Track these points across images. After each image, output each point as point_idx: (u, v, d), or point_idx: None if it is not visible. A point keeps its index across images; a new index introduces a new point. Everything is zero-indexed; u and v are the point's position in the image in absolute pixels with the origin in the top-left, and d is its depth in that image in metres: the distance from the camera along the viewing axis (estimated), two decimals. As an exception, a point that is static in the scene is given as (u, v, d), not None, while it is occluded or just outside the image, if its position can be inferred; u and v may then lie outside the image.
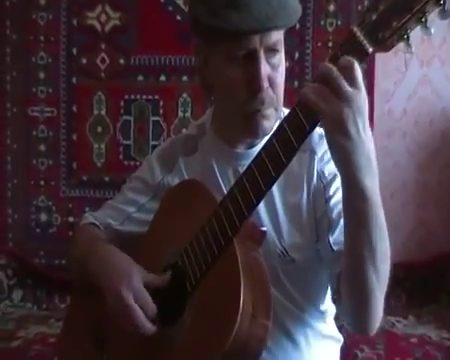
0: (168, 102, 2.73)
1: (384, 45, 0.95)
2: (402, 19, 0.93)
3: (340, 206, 1.16)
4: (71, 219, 2.75)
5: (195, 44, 1.27)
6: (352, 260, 1.07)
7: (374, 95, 2.65)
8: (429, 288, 2.72)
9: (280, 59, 1.21)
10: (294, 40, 2.64)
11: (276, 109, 1.22)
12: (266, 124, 1.20)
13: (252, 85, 1.17)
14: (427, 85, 2.73)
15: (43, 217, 2.77)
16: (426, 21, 0.91)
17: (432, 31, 0.92)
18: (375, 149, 2.84)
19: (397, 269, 2.78)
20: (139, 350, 1.21)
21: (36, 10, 2.71)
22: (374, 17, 0.94)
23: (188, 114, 2.71)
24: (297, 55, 2.66)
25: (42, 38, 2.72)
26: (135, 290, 1.16)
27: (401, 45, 0.95)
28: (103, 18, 2.71)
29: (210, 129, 1.36)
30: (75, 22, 2.72)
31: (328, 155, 1.24)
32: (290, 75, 2.60)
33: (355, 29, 0.96)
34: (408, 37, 0.94)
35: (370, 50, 0.95)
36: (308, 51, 2.64)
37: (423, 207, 2.78)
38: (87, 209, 2.72)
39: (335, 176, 1.23)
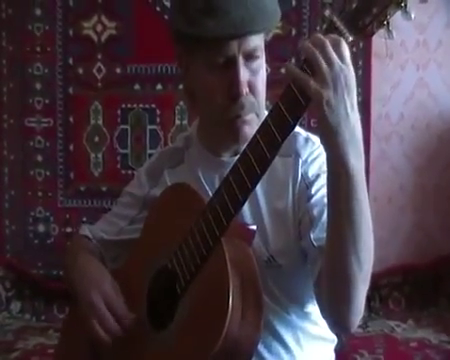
0: (165, 110, 2.73)
1: (364, 32, 0.95)
2: (382, 5, 0.92)
3: (321, 204, 1.17)
4: (69, 229, 2.75)
5: (176, 54, 1.27)
6: (334, 247, 1.05)
7: (371, 99, 2.66)
8: (428, 292, 2.72)
9: (260, 64, 1.21)
10: (290, 46, 2.65)
11: (257, 114, 1.22)
12: (247, 129, 1.20)
13: (231, 91, 1.17)
14: (424, 89, 2.73)
15: (41, 228, 2.76)
16: (406, 5, 0.91)
17: (413, 16, 0.91)
18: (372, 153, 2.83)
19: (395, 273, 2.81)
20: (132, 355, 1.22)
21: (32, 21, 2.71)
22: (354, 5, 0.94)
23: (185, 122, 2.71)
24: (293, 61, 2.66)
25: (38, 49, 2.72)
26: (106, 295, 1.21)
27: (382, 32, 0.95)
28: (99, 28, 2.71)
29: (196, 139, 1.37)
30: (71, 32, 2.72)
31: (312, 157, 1.25)
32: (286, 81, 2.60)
33: (335, 18, 0.96)
34: (388, 23, 0.93)
35: (350, 39, 0.95)
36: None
37: (421, 211, 2.77)
38: (85, 219, 2.72)
39: (318, 176, 1.22)
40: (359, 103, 2.94)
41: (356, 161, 0.97)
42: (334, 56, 0.94)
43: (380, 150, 2.71)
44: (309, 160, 1.25)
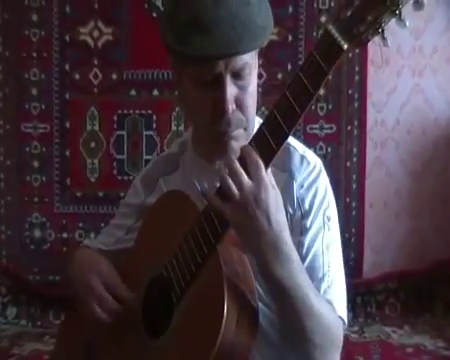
0: (161, 116, 2.73)
1: (359, 40, 0.95)
2: (376, 12, 0.92)
3: (311, 245, 1.19)
4: (65, 235, 2.75)
5: (170, 61, 1.26)
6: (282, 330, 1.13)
7: (367, 105, 2.67)
8: (424, 297, 2.73)
9: (249, 80, 1.18)
10: (287, 51, 2.66)
11: (245, 129, 1.20)
12: (235, 145, 1.18)
13: (218, 108, 1.15)
14: (419, 95, 2.74)
15: (37, 233, 2.75)
16: (400, 13, 0.91)
17: (407, 23, 0.91)
18: (368, 159, 2.82)
19: (391, 278, 2.81)
20: None
21: (28, 27, 2.71)
22: (349, 13, 0.94)
23: (181, 128, 2.71)
24: (290, 66, 2.67)
25: (35, 54, 2.72)
26: (103, 276, 1.23)
27: (376, 39, 0.95)
28: (95, 34, 2.72)
29: (191, 145, 1.36)
30: (67, 38, 2.72)
31: (308, 181, 1.24)
32: (283, 86, 2.61)
33: (329, 27, 0.95)
34: (383, 30, 0.93)
35: (345, 46, 0.95)
36: (301, 62, 2.65)
37: (416, 216, 2.79)
38: (81, 225, 2.72)
39: (311, 209, 1.22)
40: (355, 109, 2.95)
41: (283, 270, 1.03)
42: (244, 180, 0.99)
43: (376, 156, 2.72)
44: (305, 185, 1.23)
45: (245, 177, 0.99)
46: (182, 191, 1.21)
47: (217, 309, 1.00)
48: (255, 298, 1.08)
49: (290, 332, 1.11)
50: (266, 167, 1.01)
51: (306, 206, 1.22)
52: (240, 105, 1.17)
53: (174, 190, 1.26)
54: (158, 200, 1.29)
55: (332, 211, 1.25)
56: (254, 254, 1.04)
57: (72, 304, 1.40)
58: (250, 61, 1.17)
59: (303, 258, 1.18)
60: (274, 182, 1.04)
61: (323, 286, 1.18)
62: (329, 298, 1.17)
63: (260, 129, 1.03)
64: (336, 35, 0.95)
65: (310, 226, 1.21)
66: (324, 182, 1.25)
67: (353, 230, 2.69)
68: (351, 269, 2.64)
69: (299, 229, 1.21)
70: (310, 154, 1.28)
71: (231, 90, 1.15)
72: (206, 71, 1.14)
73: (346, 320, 1.20)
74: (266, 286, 1.08)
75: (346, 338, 2.41)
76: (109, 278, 1.23)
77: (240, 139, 1.17)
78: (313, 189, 1.23)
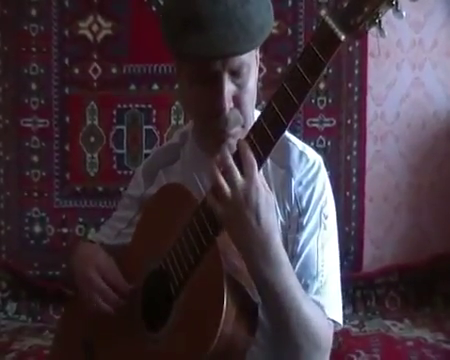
0: (161, 111, 2.73)
1: (356, 31, 0.95)
2: (373, 3, 0.92)
3: (306, 243, 1.19)
4: (65, 230, 2.75)
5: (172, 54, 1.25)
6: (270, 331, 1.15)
7: (367, 99, 2.66)
8: (424, 291, 2.73)
9: (247, 78, 1.17)
10: (286, 45, 2.65)
11: (243, 126, 1.18)
12: (232, 142, 1.16)
13: (215, 106, 1.14)
14: (419, 88, 2.74)
15: (37, 228, 2.75)
16: (397, 4, 0.91)
17: (404, 14, 0.91)
18: (368, 153, 2.83)
19: (391, 272, 2.82)
20: (127, 356, 1.21)
21: (27, 21, 2.70)
22: (346, 4, 0.94)
23: (181, 122, 2.71)
24: (289, 60, 2.66)
25: (34, 49, 2.72)
26: (101, 269, 1.24)
27: (373, 30, 0.94)
28: (95, 28, 2.71)
29: (191, 137, 1.35)
30: (67, 32, 2.71)
31: (307, 179, 1.24)
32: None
33: (327, 18, 0.95)
34: (380, 21, 0.93)
35: (343, 38, 0.94)
36: (300, 56, 2.65)
37: (416, 209, 2.79)
38: (81, 220, 2.72)
39: (308, 207, 1.22)
40: (355, 103, 2.94)
41: (270, 270, 1.03)
42: (236, 178, 1.00)
43: (376, 149, 2.72)
44: (304, 182, 1.23)
45: (238, 175, 1.00)
46: (181, 184, 1.21)
47: (217, 301, 1.00)
48: (254, 293, 1.07)
49: (277, 333, 1.12)
50: (265, 158, 1.02)
51: (303, 204, 1.22)
52: (238, 103, 1.16)
53: (172, 183, 1.26)
54: (156, 193, 1.29)
55: (330, 209, 1.25)
56: (242, 252, 1.04)
57: (71, 299, 1.41)
58: (248, 59, 1.15)
59: (297, 256, 1.19)
60: (266, 184, 1.04)
61: (316, 285, 1.18)
62: (321, 299, 1.17)
63: (258, 121, 1.03)
64: (333, 26, 0.94)
65: (306, 224, 1.21)
66: (322, 180, 1.25)
67: (353, 224, 2.69)
68: (351, 263, 2.65)
69: (296, 226, 1.22)
70: (310, 151, 1.28)
71: (229, 88, 1.14)
72: (203, 69, 1.13)
73: (341, 321, 1.21)
74: (255, 286, 1.07)
75: (346, 332, 2.44)
76: (107, 271, 1.24)
77: (237, 137, 1.16)
78: (311, 187, 1.23)
